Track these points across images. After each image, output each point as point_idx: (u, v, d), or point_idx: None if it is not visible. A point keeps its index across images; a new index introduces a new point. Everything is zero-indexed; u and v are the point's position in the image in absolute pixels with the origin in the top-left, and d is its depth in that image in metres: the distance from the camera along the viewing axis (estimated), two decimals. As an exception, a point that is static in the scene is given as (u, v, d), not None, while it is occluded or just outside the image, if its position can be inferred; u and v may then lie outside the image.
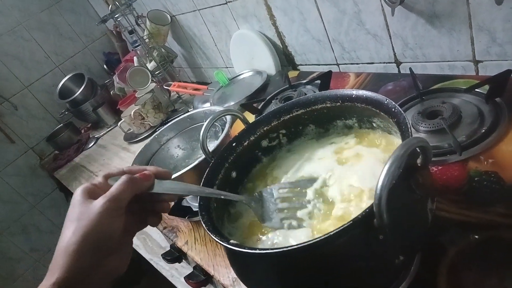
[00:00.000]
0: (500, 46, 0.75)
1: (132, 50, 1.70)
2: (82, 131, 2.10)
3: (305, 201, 0.54)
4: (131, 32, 1.51)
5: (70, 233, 0.40)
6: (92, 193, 0.44)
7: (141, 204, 0.48)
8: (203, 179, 0.58)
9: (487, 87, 0.71)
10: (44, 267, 2.18)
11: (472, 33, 0.78)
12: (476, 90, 0.74)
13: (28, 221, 2.11)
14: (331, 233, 0.38)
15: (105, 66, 2.24)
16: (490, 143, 0.64)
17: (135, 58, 1.67)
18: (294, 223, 0.52)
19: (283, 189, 0.56)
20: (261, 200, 0.56)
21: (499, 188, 0.57)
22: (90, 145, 1.87)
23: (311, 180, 0.57)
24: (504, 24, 0.71)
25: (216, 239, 0.46)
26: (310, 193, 0.55)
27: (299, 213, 0.53)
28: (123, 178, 0.44)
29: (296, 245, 0.39)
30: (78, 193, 0.44)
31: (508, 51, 0.75)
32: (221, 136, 0.79)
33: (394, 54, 0.95)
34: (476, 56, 0.81)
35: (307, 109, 0.63)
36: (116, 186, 0.43)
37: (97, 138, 1.90)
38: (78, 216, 0.41)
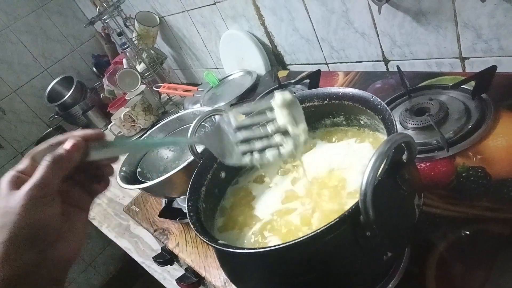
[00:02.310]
0: (486, 42, 0.76)
1: (121, 52, 1.69)
2: (72, 134, 2.07)
3: (268, 129, 0.47)
4: (119, 34, 1.49)
5: None
6: (18, 182, 0.38)
7: (84, 172, 0.43)
8: (191, 180, 0.58)
9: (473, 83, 0.71)
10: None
11: (458, 30, 0.78)
12: (462, 86, 0.75)
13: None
14: (318, 231, 0.37)
15: (94, 69, 2.22)
16: (477, 138, 0.65)
17: (124, 60, 1.66)
18: (256, 156, 0.47)
19: (243, 117, 0.50)
20: (219, 133, 0.49)
21: (486, 183, 0.58)
22: (81, 149, 1.85)
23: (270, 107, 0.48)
24: (489, 21, 0.72)
25: (204, 240, 0.46)
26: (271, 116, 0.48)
27: (260, 143, 0.47)
28: (46, 159, 0.38)
29: (284, 243, 0.39)
30: (1, 184, 0.39)
31: (493, 47, 0.75)
32: (210, 137, 0.78)
33: (382, 52, 0.96)
34: (462, 53, 0.81)
35: (295, 107, 0.62)
36: (39, 170, 0.38)
37: (88, 142, 1.88)
38: (3, 211, 0.37)
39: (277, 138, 0.47)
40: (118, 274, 2.39)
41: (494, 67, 0.68)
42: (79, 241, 0.41)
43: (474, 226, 0.54)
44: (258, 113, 0.48)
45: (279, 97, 0.47)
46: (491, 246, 0.51)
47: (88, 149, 0.41)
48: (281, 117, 0.47)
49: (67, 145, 0.40)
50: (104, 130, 1.85)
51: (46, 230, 0.37)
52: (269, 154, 0.47)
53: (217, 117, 0.83)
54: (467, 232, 0.53)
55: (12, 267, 0.36)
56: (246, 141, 0.48)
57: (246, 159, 0.47)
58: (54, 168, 0.38)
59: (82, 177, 0.43)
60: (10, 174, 0.39)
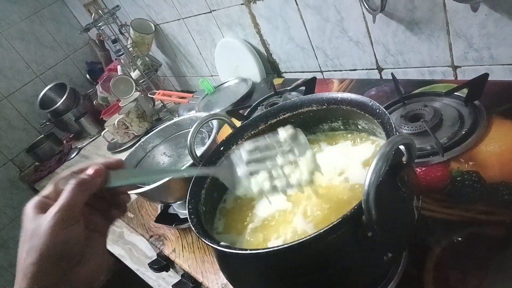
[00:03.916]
0: (477, 51, 0.78)
1: (116, 59, 1.69)
2: (64, 141, 2.06)
3: (277, 161, 0.50)
4: (114, 41, 1.50)
5: (25, 254, 0.38)
6: (43, 207, 0.41)
7: (102, 199, 0.46)
8: (191, 183, 0.58)
9: (466, 90, 0.73)
10: (24, 282, 2.10)
11: (450, 40, 0.80)
12: (455, 93, 0.76)
13: (8, 235, 2.04)
14: (321, 231, 0.38)
15: (87, 76, 2.22)
16: (471, 144, 0.67)
17: (118, 67, 1.66)
18: (266, 186, 0.49)
19: (253, 151, 0.51)
20: (231, 166, 0.51)
21: (480, 187, 0.59)
22: (73, 156, 1.83)
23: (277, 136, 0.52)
24: (480, 30, 0.74)
25: (206, 242, 0.46)
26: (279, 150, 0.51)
27: (268, 174, 0.49)
28: (71, 183, 0.41)
29: (286, 244, 0.39)
30: (27, 209, 0.41)
31: (484, 56, 0.78)
32: (208, 141, 0.79)
33: (376, 61, 0.98)
34: (454, 62, 0.84)
35: (294, 112, 0.64)
36: (64, 193, 0.40)
37: (80, 149, 1.87)
38: (31, 233, 0.39)
39: (287, 170, 0.49)
40: (108, 283, 2.35)
41: (486, 75, 0.70)
42: (98, 265, 0.43)
43: (469, 229, 0.55)
44: (266, 148, 0.51)
45: (282, 133, 0.51)
46: (486, 248, 0.52)
47: (108, 176, 0.43)
48: (287, 147, 0.50)
49: (90, 171, 0.42)
50: (97, 137, 1.85)
51: (70, 251, 0.39)
52: (279, 185, 0.49)
53: (214, 122, 0.84)
54: (463, 235, 0.54)
55: (39, 286, 0.37)
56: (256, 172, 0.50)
57: (255, 190, 0.49)
58: (78, 191, 0.40)
59: (101, 204, 0.46)
60: (35, 200, 0.41)
